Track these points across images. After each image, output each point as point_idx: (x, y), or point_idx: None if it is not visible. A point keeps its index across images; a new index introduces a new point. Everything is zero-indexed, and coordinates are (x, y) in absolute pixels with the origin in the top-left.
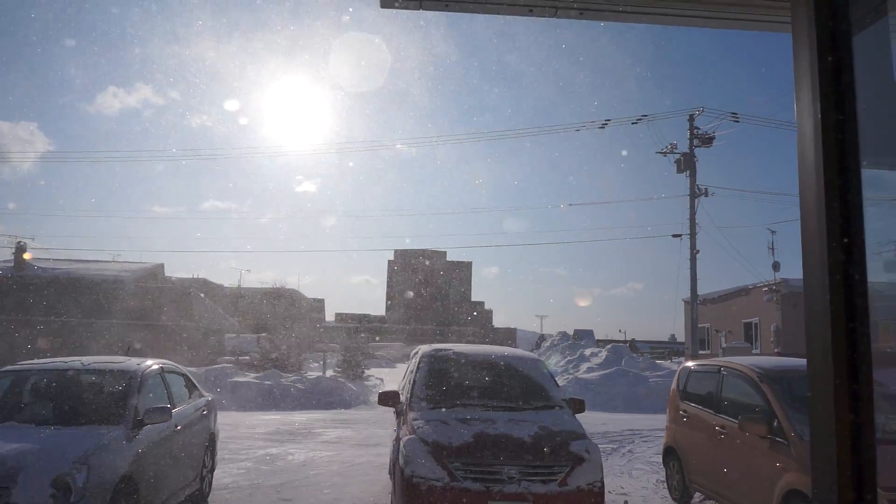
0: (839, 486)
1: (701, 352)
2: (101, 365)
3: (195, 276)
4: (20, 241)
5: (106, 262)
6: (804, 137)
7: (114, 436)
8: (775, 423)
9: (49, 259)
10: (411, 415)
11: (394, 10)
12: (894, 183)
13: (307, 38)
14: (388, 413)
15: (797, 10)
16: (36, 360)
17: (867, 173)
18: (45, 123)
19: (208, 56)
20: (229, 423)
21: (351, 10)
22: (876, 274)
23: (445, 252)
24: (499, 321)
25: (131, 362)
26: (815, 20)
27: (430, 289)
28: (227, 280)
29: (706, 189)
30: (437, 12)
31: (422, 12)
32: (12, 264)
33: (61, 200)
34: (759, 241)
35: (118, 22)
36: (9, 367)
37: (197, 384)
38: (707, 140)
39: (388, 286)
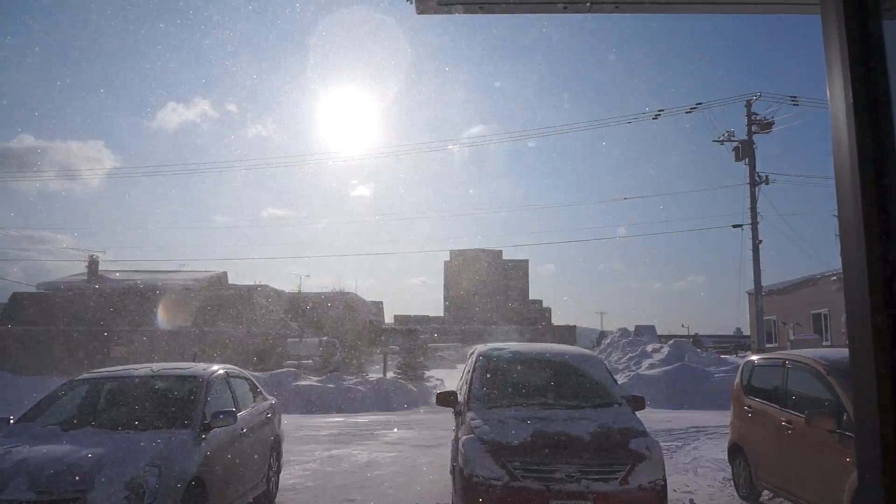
0: (885, 477)
1: (768, 345)
2: (170, 371)
3: (257, 283)
4: (93, 255)
5: (173, 271)
6: (838, 122)
7: (183, 439)
8: (844, 417)
9: (120, 270)
10: (469, 414)
11: (431, 15)
12: None
13: (351, 47)
14: (449, 414)
15: None
16: (109, 368)
17: None
18: (111, 141)
19: (261, 69)
20: (293, 426)
21: (389, 18)
22: None
23: (501, 251)
24: (558, 319)
25: (198, 368)
26: (844, 3)
27: (486, 288)
28: (287, 285)
29: (766, 176)
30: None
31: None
32: (86, 276)
33: (129, 214)
34: (826, 228)
35: (173, 40)
36: (85, 375)
37: (261, 388)
38: (766, 126)
39: (445, 287)
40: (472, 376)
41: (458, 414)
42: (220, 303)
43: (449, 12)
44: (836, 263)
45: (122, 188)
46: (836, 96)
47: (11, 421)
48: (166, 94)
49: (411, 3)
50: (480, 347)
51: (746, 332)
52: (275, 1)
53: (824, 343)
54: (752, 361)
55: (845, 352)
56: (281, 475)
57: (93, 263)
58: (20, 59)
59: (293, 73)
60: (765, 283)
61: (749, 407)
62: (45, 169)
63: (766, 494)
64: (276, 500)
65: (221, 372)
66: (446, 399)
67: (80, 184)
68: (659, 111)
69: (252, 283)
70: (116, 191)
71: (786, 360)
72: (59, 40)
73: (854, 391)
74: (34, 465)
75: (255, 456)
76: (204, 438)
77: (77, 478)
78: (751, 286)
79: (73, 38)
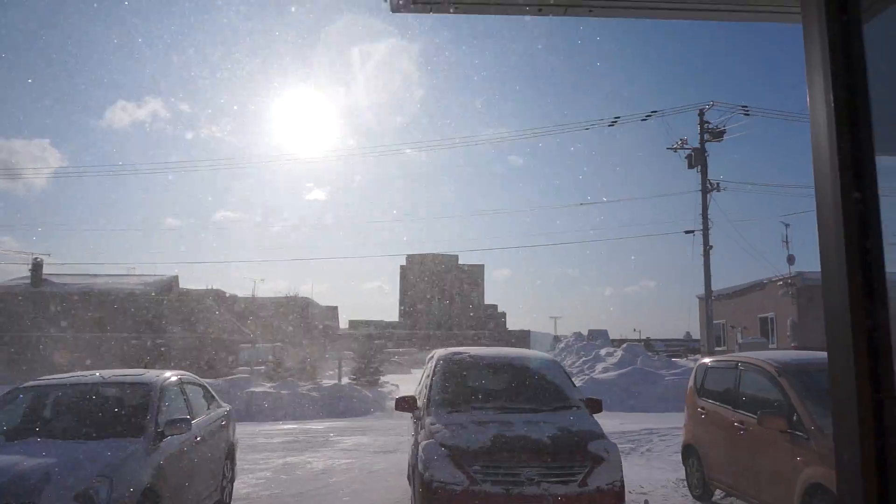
0: (864, 483)
1: (717, 348)
2: (121, 378)
3: (209, 287)
4: (36, 258)
5: (122, 275)
6: (818, 128)
7: (135, 448)
8: (794, 417)
9: (66, 274)
10: (429, 419)
11: (401, 14)
12: None
13: (313, 46)
14: (405, 420)
15: (807, 0)
16: (55, 375)
17: (882, 161)
18: (57, 140)
19: (214, 68)
20: (247, 434)
21: (360, 15)
22: (894, 263)
23: (457, 256)
24: (513, 324)
25: (150, 374)
26: (826, 9)
27: (443, 293)
28: (240, 290)
29: (718, 184)
30: (444, 14)
31: (430, 15)
32: (30, 280)
33: (76, 215)
34: (774, 234)
35: (125, 35)
36: (30, 383)
37: (215, 395)
38: (718, 134)
39: (401, 292)
40: (431, 381)
41: (417, 419)
42: (170, 308)
43: (423, 10)
44: (782, 268)
45: (69, 189)
46: (816, 104)
47: None
48: (116, 93)
49: (386, 0)
50: (439, 352)
51: (696, 335)
52: None
53: (771, 346)
54: (706, 364)
55: (796, 354)
56: (235, 484)
57: (36, 266)
58: None
59: (249, 71)
60: (714, 287)
61: (702, 409)
62: None
63: (718, 494)
64: None
65: (175, 378)
66: (405, 404)
67: (23, 183)
68: (615, 118)
69: (204, 287)
70: (62, 191)
71: (738, 362)
72: (2, 34)
73: (833, 397)
74: None
75: (210, 465)
76: (157, 447)
77: (24, 489)
78: (701, 291)
79: (19, 32)
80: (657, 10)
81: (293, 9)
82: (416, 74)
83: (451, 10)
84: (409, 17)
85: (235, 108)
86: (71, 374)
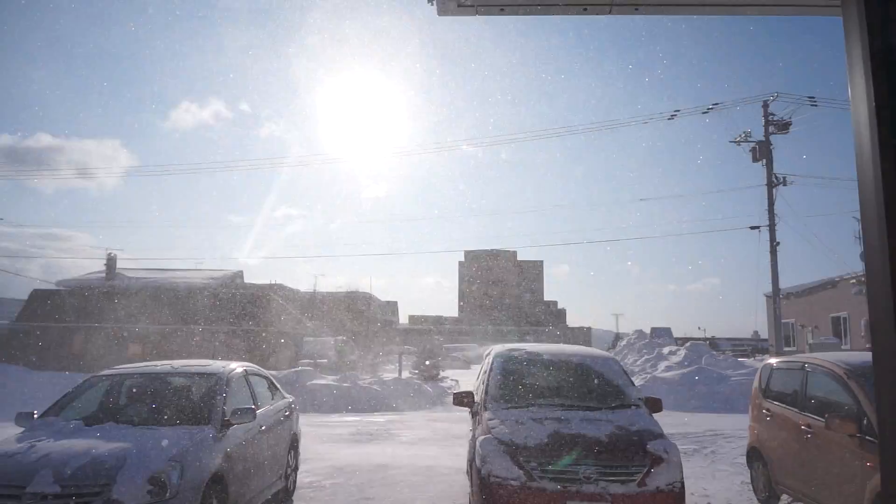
0: None
1: (786, 348)
2: (190, 368)
3: (272, 282)
4: (110, 253)
5: (189, 270)
6: (859, 122)
7: (204, 435)
8: (864, 421)
9: (137, 268)
10: (486, 415)
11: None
12: None
13: (369, 48)
14: (465, 414)
15: None
16: (129, 365)
17: None
18: (127, 140)
19: (276, 69)
20: (309, 425)
21: (409, 18)
22: None
23: (516, 252)
24: (573, 320)
25: (217, 365)
26: (866, 3)
27: (501, 289)
28: (302, 285)
29: (784, 178)
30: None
31: (477, 17)
32: (104, 274)
33: (146, 212)
34: (845, 229)
35: (187, 39)
36: (106, 372)
37: (279, 386)
38: (783, 126)
39: (460, 287)
40: (488, 377)
41: (474, 414)
42: (235, 301)
43: (469, 13)
44: (856, 266)
45: (139, 187)
46: (857, 98)
47: (36, 415)
48: (181, 94)
49: (432, 4)
50: (497, 348)
51: (764, 335)
52: (292, 2)
53: (844, 347)
54: (771, 365)
55: (866, 355)
56: (299, 473)
57: (110, 261)
58: (39, 58)
59: (310, 73)
60: (783, 285)
61: (768, 410)
62: (62, 167)
63: (784, 498)
64: (294, 497)
65: (240, 370)
66: (463, 399)
67: (96, 182)
68: (675, 112)
69: (268, 282)
70: (133, 189)
71: (805, 363)
72: (75, 40)
73: (877, 396)
74: (58, 459)
75: (274, 453)
76: (224, 435)
77: (101, 472)
78: (768, 289)
79: (90, 37)
80: (701, 7)
81: (346, 13)
82: (471, 72)
83: (497, 13)
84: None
85: (295, 107)
86: (143, 363)
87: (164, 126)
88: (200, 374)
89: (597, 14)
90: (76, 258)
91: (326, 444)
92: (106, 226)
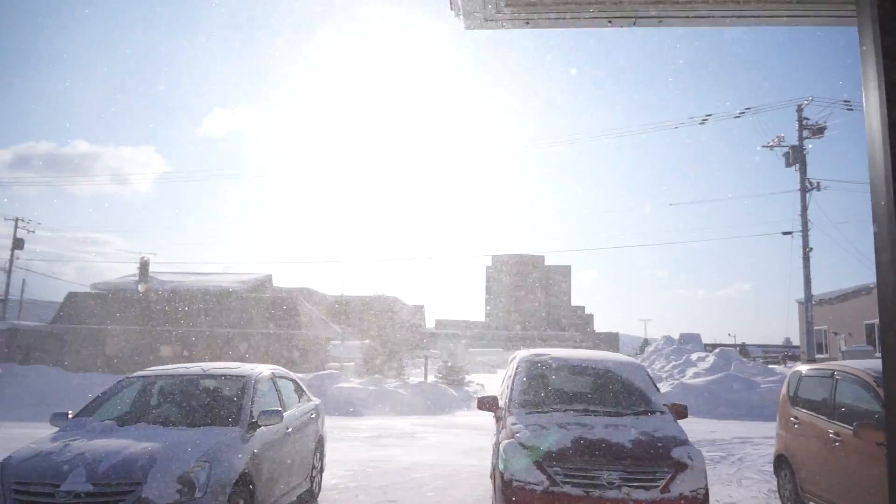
0: None
1: (818, 356)
2: (219, 370)
3: (301, 287)
4: (144, 257)
5: (220, 273)
6: (872, 135)
7: (232, 436)
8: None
9: (170, 272)
10: (510, 419)
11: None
12: None
13: (400, 58)
14: (490, 419)
15: (861, 5)
16: (160, 367)
17: None
18: (161, 146)
19: (304, 77)
20: (335, 427)
21: (438, 32)
22: None
23: (543, 257)
24: (600, 326)
25: (245, 368)
26: (879, 13)
27: (528, 294)
28: (330, 289)
29: (818, 183)
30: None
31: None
32: (137, 277)
33: (178, 217)
34: None
35: (217, 49)
36: (138, 373)
37: (305, 389)
38: (818, 131)
39: (487, 292)
40: (513, 381)
41: (498, 419)
42: (264, 305)
43: (496, 27)
44: None
45: (172, 192)
46: (871, 108)
47: (70, 415)
48: (212, 101)
49: (459, 19)
50: (522, 353)
51: (796, 341)
52: (324, 13)
53: (877, 355)
54: (800, 372)
55: None
56: (324, 474)
57: (144, 265)
58: (77, 67)
59: (336, 81)
60: (816, 291)
61: (795, 418)
62: (98, 173)
63: None
64: (320, 499)
65: (268, 372)
66: (487, 403)
67: (131, 188)
68: (707, 116)
69: (296, 286)
70: (166, 195)
71: (834, 370)
72: (111, 50)
73: (886, 404)
74: (92, 458)
75: (300, 455)
76: (251, 436)
77: (132, 471)
78: (800, 295)
79: (124, 47)
80: (721, 18)
81: (377, 26)
82: (500, 79)
83: (523, 26)
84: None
85: (325, 115)
86: (174, 365)
87: (196, 133)
88: (229, 377)
89: (621, 27)
90: (110, 262)
91: (352, 447)
92: (140, 230)
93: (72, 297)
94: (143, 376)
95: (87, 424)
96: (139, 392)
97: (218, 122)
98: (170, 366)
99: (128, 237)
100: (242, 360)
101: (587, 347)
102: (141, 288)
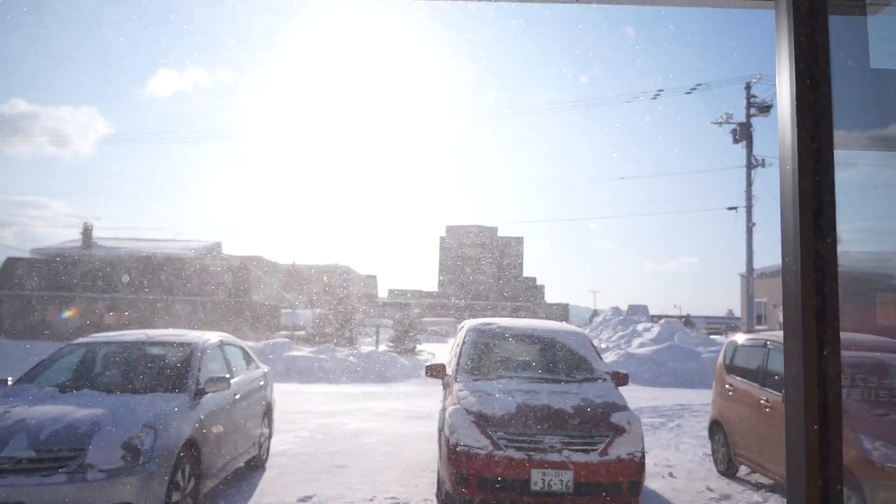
0: (807, 461)
1: (758, 327)
2: (165, 337)
3: (251, 254)
4: (87, 222)
5: (167, 240)
6: (783, 116)
7: (177, 403)
8: None
9: (114, 238)
10: (456, 386)
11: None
12: (865, 163)
13: (348, 22)
14: (439, 386)
15: None
16: (104, 334)
17: (840, 153)
18: (104, 107)
19: (253, 37)
20: (285, 394)
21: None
22: (845, 246)
23: (497, 228)
24: (552, 296)
25: (192, 335)
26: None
27: (481, 264)
28: (281, 258)
29: (763, 159)
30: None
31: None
32: (80, 243)
33: (123, 182)
34: None
35: (164, 5)
36: (81, 340)
37: (254, 357)
38: (765, 109)
39: (440, 262)
40: (461, 349)
41: (446, 385)
42: (213, 272)
43: None
44: None
45: (116, 156)
46: (782, 88)
47: (10, 382)
48: (159, 62)
49: None
50: (470, 322)
51: (738, 313)
52: None
53: None
54: (736, 342)
55: None
56: (272, 441)
57: (87, 230)
58: (12, 23)
59: (287, 42)
60: (758, 265)
61: (730, 385)
62: (37, 134)
63: (743, 469)
64: (268, 464)
65: (215, 340)
66: (435, 371)
67: (72, 150)
68: (658, 91)
69: (247, 254)
70: (109, 158)
71: (767, 340)
72: (48, 5)
73: (786, 382)
74: (33, 425)
75: (248, 421)
76: (198, 403)
77: (75, 437)
78: (743, 268)
79: (63, 2)
80: None
81: None
82: (453, 48)
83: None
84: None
85: (275, 78)
86: (119, 332)
87: (142, 94)
88: (175, 344)
89: (574, 1)
90: (52, 227)
91: (301, 414)
92: (82, 194)
93: (11, 262)
94: (86, 343)
95: (27, 391)
96: (82, 359)
97: (163, 84)
98: (114, 333)
99: (70, 201)
100: (190, 328)
101: (540, 318)
102: (84, 253)
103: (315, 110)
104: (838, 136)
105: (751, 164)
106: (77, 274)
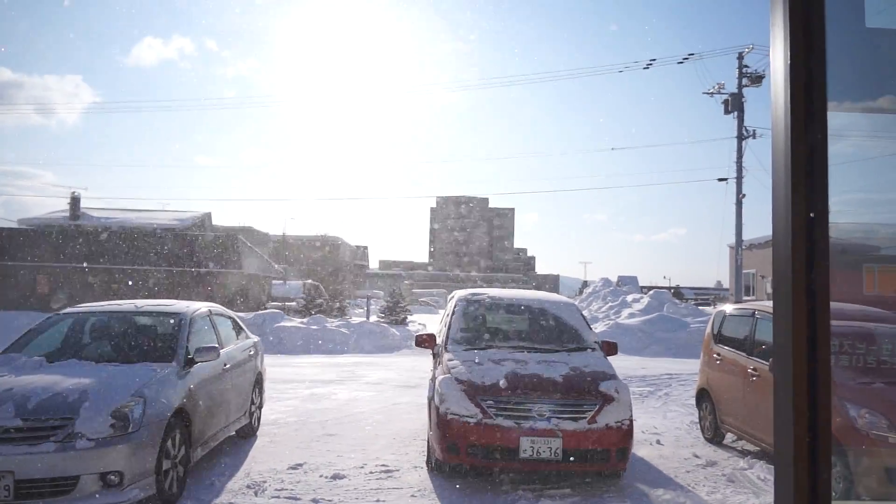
0: (795, 428)
1: (746, 298)
2: (154, 307)
3: (242, 225)
4: (74, 192)
5: (156, 210)
6: (776, 80)
7: (167, 372)
8: None
9: (102, 208)
10: (446, 356)
11: None
12: (858, 125)
13: None
14: (429, 357)
15: None
16: (92, 304)
17: (833, 116)
18: (89, 76)
19: (238, 6)
20: (276, 365)
21: None
22: (835, 217)
23: (488, 199)
24: (542, 268)
25: (181, 304)
26: None
27: (472, 235)
28: (272, 228)
29: (754, 131)
30: None
31: None
32: (68, 213)
33: (110, 151)
34: None
35: None
36: (69, 309)
37: (244, 327)
38: (756, 79)
39: (431, 233)
40: (450, 319)
41: (436, 355)
42: (203, 243)
43: None
44: None
45: (103, 124)
46: (776, 50)
47: None
48: (143, 29)
49: None
50: (460, 292)
51: (727, 284)
52: None
53: None
54: (724, 311)
55: None
56: (263, 410)
57: (74, 200)
58: None
59: (277, 10)
60: (747, 237)
61: (718, 354)
62: (22, 102)
63: (729, 437)
64: (259, 433)
65: (205, 309)
66: (425, 341)
67: (58, 119)
68: (651, 60)
69: (237, 224)
70: (96, 127)
71: (755, 310)
72: None
73: (774, 352)
74: (21, 394)
75: (238, 391)
76: (187, 372)
77: (63, 406)
78: (732, 240)
79: None
80: None
81: None
82: (445, 16)
83: None
84: None
85: (264, 47)
86: (107, 302)
87: (127, 63)
88: (164, 313)
89: None
90: (39, 196)
91: (292, 384)
92: (69, 164)
93: None
94: (75, 312)
95: (15, 360)
96: (70, 328)
97: (149, 52)
98: (103, 303)
99: (57, 171)
100: (179, 298)
101: (530, 289)
102: (72, 224)
103: (307, 80)
104: (832, 101)
105: (742, 135)
106: (65, 245)
